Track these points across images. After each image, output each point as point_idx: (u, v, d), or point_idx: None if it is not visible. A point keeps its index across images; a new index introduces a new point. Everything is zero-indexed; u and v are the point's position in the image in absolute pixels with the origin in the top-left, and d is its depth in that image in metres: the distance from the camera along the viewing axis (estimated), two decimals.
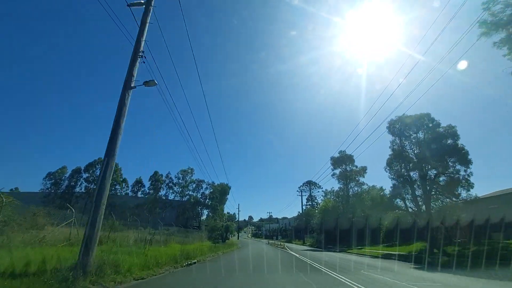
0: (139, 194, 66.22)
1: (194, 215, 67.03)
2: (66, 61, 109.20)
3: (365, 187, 35.06)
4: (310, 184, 73.38)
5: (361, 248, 26.61)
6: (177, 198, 68.47)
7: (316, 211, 42.23)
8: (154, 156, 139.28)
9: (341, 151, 36.49)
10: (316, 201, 70.77)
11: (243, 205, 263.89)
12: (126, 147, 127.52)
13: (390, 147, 21.86)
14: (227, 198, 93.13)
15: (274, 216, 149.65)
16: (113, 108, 9.21)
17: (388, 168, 21.69)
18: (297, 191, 74.06)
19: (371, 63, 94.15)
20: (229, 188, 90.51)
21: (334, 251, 28.06)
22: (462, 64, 17.33)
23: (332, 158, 37.23)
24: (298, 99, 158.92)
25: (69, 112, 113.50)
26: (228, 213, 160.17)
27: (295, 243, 50.81)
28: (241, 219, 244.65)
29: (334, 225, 32.44)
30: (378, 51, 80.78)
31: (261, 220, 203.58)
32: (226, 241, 39.11)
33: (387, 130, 21.78)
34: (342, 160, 36.25)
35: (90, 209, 8.54)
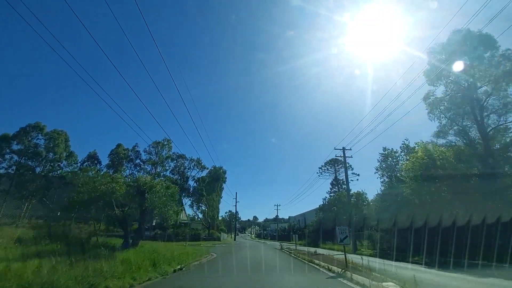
0: (91, 174, 45.99)
1: None
2: None
3: None
4: (335, 163, 52.38)
5: None
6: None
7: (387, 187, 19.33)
8: (120, 127, 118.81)
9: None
10: (345, 186, 49.57)
11: (247, 206, 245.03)
12: (82, 112, 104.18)
13: None
14: (223, 188, 72.65)
15: (279, 217, 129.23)
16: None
17: None
18: (318, 173, 53.30)
19: (374, 63, 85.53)
20: (224, 173, 70.25)
21: None
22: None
23: None
24: (301, 99, 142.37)
25: None
26: (229, 211, 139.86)
27: (329, 249, 27.70)
28: (245, 219, 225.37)
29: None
30: (382, 51, 79.36)
31: (266, 220, 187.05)
32: (140, 241, 15.31)
33: None
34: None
35: None
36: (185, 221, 65.65)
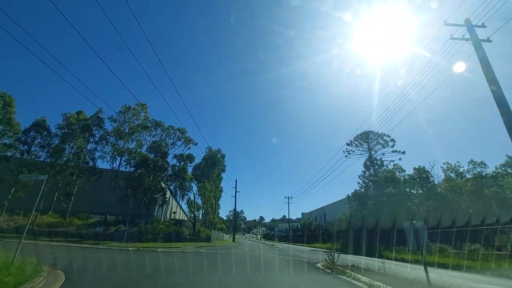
0: (35, 148, 33.52)
1: (146, 193, 33.31)
2: None
3: None
4: (368, 138, 38.40)
5: None
6: (104, 166, 35.19)
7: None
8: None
9: None
10: (385, 166, 35.57)
11: (253, 207, 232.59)
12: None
13: None
14: (222, 177, 59.17)
15: (287, 217, 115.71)
16: None
17: None
18: (344, 152, 39.47)
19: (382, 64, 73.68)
20: (223, 157, 56.87)
21: None
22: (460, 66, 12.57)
23: None
24: (303, 100, 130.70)
25: None
26: (233, 210, 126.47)
27: (412, 260, 14.09)
28: (251, 219, 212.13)
29: None
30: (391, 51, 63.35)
31: (273, 220, 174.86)
32: None
33: None
34: None
35: None
36: (177, 219, 52.87)
